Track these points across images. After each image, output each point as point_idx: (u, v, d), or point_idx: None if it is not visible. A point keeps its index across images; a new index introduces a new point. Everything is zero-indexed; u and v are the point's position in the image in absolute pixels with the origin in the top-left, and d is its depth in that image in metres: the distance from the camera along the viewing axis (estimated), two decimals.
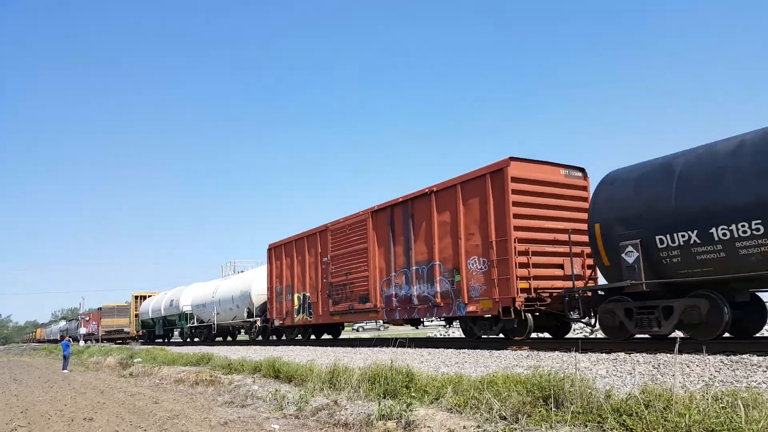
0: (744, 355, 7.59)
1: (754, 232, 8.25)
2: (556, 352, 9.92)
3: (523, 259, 12.10)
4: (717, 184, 8.76)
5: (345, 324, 21.68)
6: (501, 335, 13.12)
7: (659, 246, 9.43)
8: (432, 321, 17.51)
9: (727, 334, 9.48)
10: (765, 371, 6.57)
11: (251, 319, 24.14)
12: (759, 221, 8.17)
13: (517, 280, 11.95)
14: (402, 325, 20.17)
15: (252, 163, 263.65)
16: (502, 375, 7.25)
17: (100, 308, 53.22)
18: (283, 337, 23.03)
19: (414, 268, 14.81)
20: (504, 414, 6.19)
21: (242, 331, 26.48)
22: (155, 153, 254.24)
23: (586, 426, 5.48)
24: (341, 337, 23.10)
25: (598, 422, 5.43)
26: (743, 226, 8.34)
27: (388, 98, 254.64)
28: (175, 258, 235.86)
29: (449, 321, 15.39)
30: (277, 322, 21.81)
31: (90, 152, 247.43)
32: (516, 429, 5.85)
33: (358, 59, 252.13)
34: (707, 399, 5.14)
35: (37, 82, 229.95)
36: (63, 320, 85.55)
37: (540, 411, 5.96)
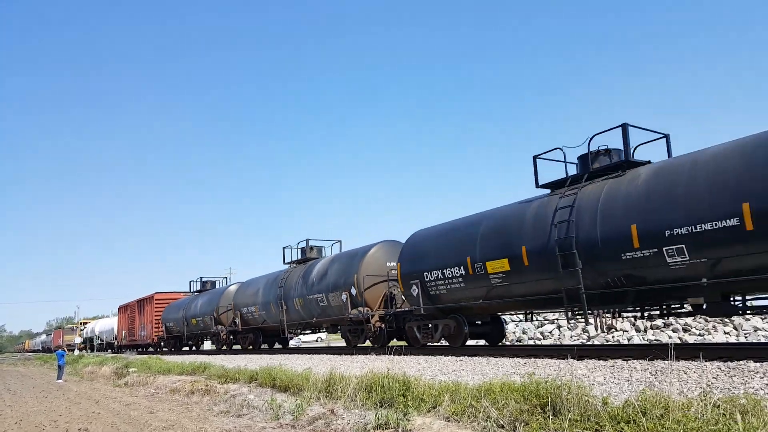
0: (741, 362, 7.57)
1: None
2: (554, 359, 9.89)
3: (158, 325, 35.52)
4: None
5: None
6: (165, 350, 34.20)
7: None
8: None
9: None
10: (762, 377, 6.56)
11: (114, 341, 48.20)
12: None
13: (155, 332, 35.93)
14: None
15: (249, 174, 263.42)
16: (499, 383, 7.22)
17: (62, 327, 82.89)
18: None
19: (143, 324, 38.66)
20: (502, 422, 6.17)
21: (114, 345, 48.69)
22: (152, 161, 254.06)
23: None
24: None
25: (596, 430, 5.41)
26: None
27: (387, 105, 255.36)
28: (170, 266, 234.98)
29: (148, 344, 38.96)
30: (120, 343, 45.57)
31: (88, 160, 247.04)
32: None
33: (356, 66, 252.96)
34: (705, 405, 5.13)
35: (33, 86, 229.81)
36: (44, 334, 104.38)
37: (537, 419, 5.93)
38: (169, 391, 15.10)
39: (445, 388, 7.74)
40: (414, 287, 13.92)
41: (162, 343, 35.60)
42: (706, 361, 7.79)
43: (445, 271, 13.05)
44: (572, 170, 11.47)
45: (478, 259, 12.14)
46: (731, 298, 9.25)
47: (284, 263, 22.40)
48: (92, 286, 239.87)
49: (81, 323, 61.86)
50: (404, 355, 13.40)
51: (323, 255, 21.51)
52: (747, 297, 9.35)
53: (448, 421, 6.82)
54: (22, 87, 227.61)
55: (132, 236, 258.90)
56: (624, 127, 10.65)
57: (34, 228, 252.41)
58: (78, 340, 59.68)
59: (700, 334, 19.59)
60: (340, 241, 21.54)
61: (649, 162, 10.49)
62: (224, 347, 27.20)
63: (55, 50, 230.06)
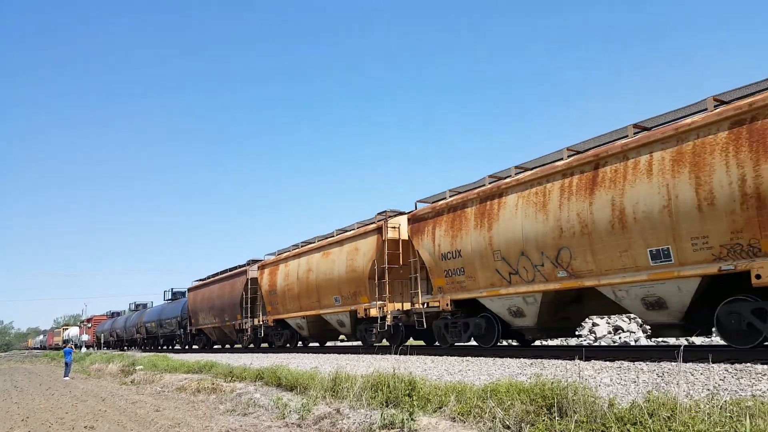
0: (748, 364, 7.54)
1: None
2: (560, 360, 9.88)
3: (94, 335, 59.49)
4: None
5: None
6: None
7: None
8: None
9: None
10: None
11: (78, 341, 59.33)
12: None
13: (92, 339, 59.35)
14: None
15: (250, 170, 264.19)
16: (505, 383, 7.22)
17: (53, 329, 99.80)
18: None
19: (87, 333, 61.15)
20: (507, 423, 6.17)
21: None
22: (159, 159, 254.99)
23: None
24: (328, 345, 24.89)
25: (602, 431, 5.40)
26: None
27: (384, 107, 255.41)
28: (176, 264, 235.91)
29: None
30: (80, 344, 56.54)
31: (98, 159, 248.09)
32: None
33: (354, 70, 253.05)
34: (712, 407, 5.11)
35: (40, 86, 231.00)
36: (41, 334, 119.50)
37: (544, 420, 5.93)
38: (176, 390, 15.16)
39: (451, 389, 7.74)
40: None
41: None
42: (713, 363, 7.76)
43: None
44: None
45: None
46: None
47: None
48: (99, 284, 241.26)
49: (63, 328, 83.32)
50: (410, 354, 13.40)
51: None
52: None
53: (454, 421, 6.82)
54: (31, 87, 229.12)
55: (139, 234, 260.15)
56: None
57: (43, 226, 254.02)
58: (84, 337, 67.06)
59: (707, 336, 19.49)
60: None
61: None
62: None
63: (61, 52, 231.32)
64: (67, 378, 23.57)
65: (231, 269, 27.13)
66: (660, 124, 9.94)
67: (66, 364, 24.85)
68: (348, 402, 8.91)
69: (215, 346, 31.26)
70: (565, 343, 21.47)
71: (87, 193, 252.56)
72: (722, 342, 17.22)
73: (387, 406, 8.14)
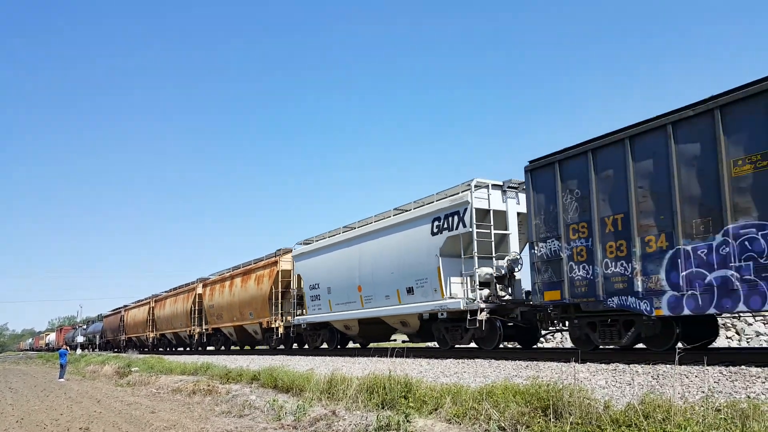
0: (742, 366, 7.58)
1: None
2: (556, 363, 9.89)
3: (63, 340, 71.90)
4: None
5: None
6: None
7: None
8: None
9: None
10: (764, 382, 6.56)
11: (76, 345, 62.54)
12: None
13: (64, 343, 59.53)
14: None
15: (250, 172, 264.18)
16: (501, 385, 7.24)
17: (40, 333, 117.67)
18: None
19: (59, 338, 78.24)
20: (503, 425, 6.18)
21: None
22: (155, 160, 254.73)
23: None
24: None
25: None
26: None
27: (389, 103, 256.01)
28: (172, 265, 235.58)
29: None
30: (56, 346, 66.01)
31: (94, 161, 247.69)
32: None
33: (357, 65, 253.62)
34: (707, 410, 5.14)
35: (37, 84, 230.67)
36: (31, 337, 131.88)
37: (539, 422, 5.94)
38: (171, 391, 15.13)
39: (447, 390, 7.75)
40: None
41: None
42: (708, 365, 7.79)
43: None
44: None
45: None
46: None
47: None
48: (95, 286, 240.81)
49: (46, 334, 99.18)
50: (406, 357, 13.40)
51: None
52: None
53: (450, 423, 6.83)
54: (25, 88, 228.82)
55: (136, 235, 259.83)
56: None
57: (39, 228, 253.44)
58: (80, 340, 70.24)
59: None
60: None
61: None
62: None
63: (55, 49, 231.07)
64: (62, 380, 23.48)
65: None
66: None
67: (61, 365, 24.76)
68: (344, 404, 8.91)
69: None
70: (560, 346, 21.12)
71: (84, 194, 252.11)
72: (719, 345, 17.26)
73: (383, 408, 8.15)
